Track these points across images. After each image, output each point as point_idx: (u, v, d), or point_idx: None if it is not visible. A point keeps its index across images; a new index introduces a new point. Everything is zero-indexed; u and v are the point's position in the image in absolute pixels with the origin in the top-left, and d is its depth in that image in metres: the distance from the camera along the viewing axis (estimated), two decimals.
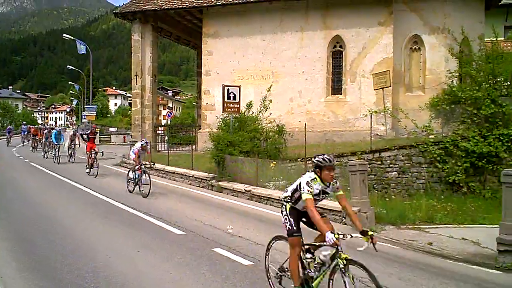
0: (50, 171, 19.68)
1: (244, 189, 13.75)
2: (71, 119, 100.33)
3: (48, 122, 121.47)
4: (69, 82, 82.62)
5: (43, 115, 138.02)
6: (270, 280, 5.75)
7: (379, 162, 15.92)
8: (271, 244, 5.83)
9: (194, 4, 23.20)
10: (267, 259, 5.85)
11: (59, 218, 10.31)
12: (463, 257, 7.66)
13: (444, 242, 8.50)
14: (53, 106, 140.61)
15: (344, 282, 4.61)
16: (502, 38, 23.77)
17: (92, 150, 18.65)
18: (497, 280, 6.68)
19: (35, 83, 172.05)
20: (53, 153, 24.90)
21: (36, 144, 33.59)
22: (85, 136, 22.04)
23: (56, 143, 24.52)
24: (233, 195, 14.16)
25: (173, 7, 23.92)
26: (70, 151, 24.46)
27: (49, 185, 15.97)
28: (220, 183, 15.10)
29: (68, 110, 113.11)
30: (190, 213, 10.93)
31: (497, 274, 6.96)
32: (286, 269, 5.49)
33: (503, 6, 25.08)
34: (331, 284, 4.83)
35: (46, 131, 29.46)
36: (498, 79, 16.25)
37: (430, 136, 16.08)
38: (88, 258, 7.04)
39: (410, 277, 6.55)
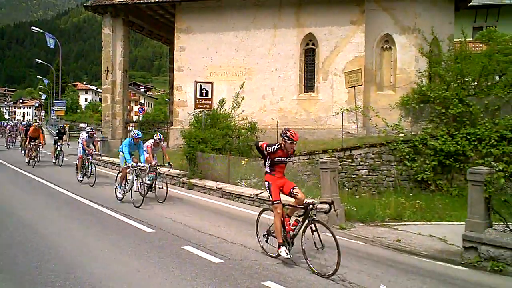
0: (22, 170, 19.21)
1: (216, 187, 13.67)
2: (40, 114, 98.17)
3: (15, 117, 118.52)
4: (38, 76, 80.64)
5: (10, 110, 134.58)
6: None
7: (350, 160, 16.08)
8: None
9: None
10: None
11: (21, 214, 10.05)
12: (430, 254, 7.79)
13: (412, 239, 8.63)
14: (20, 100, 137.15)
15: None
16: (471, 39, 24.31)
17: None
18: (462, 276, 6.82)
19: (2, 77, 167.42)
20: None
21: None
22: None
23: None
24: (204, 193, 14.07)
25: (145, 1, 23.62)
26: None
27: (12, 183, 15.57)
28: (191, 180, 14.98)
29: (36, 105, 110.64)
30: (160, 211, 10.80)
31: (463, 270, 7.10)
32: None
33: (472, 7, 25.66)
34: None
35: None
36: (466, 79, 16.62)
37: (400, 135, 16.34)
38: (54, 257, 6.87)
39: (379, 274, 6.62)
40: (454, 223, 9.82)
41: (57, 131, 22.20)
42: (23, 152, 25.05)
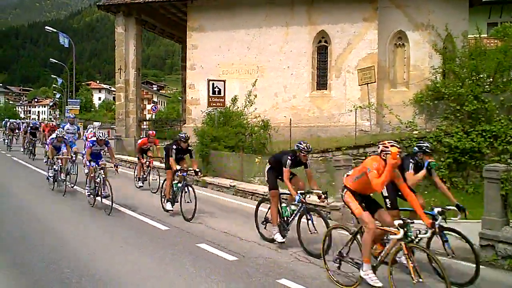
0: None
1: (229, 184, 13.70)
2: (54, 113, 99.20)
3: (30, 116, 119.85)
4: (52, 76, 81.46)
5: (25, 109, 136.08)
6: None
7: (363, 158, 15.95)
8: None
9: None
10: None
11: (36, 212, 10.17)
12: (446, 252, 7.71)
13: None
14: (35, 100, 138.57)
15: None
16: (485, 35, 24.00)
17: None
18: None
19: (17, 76, 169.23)
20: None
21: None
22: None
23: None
24: (218, 190, 14.11)
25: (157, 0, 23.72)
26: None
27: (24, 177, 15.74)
28: (205, 178, 15.01)
29: (51, 104, 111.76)
30: (174, 208, 10.83)
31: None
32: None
33: (486, 3, 25.34)
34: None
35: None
36: (481, 76, 16.39)
37: (414, 132, 16.18)
38: (70, 255, 6.94)
39: (395, 271, 6.57)
40: (470, 221, 9.70)
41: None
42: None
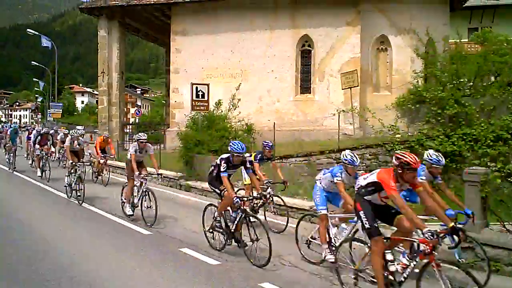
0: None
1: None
2: (36, 117, 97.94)
3: (12, 120, 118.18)
4: (34, 79, 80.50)
5: (6, 113, 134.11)
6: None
7: None
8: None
9: (162, 0, 22.95)
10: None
11: (19, 216, 10.02)
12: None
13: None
14: (17, 103, 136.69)
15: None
16: (466, 40, 24.37)
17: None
18: (459, 276, 6.82)
19: None
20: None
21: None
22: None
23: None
24: (202, 195, 14.05)
25: (141, 3, 23.67)
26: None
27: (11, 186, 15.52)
28: (188, 182, 14.97)
29: (33, 107, 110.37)
30: (158, 213, 10.76)
31: (457, 270, 7.10)
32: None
33: (467, 8, 25.73)
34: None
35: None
36: (462, 80, 16.65)
37: (396, 136, 16.34)
38: (51, 257, 6.86)
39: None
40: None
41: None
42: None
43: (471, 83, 16.77)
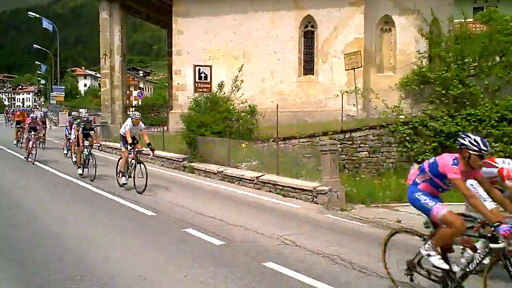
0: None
1: (217, 170, 13.70)
2: (39, 100, 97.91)
3: (15, 103, 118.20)
4: (36, 62, 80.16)
5: (9, 96, 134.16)
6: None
7: (350, 142, 16.08)
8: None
9: None
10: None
11: (22, 199, 10.09)
12: (431, 234, 7.81)
13: (413, 219, 8.64)
14: (20, 87, 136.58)
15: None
16: (471, 20, 24.12)
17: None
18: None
19: (1, 63, 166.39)
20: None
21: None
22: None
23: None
24: (205, 176, 14.10)
25: None
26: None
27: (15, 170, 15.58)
28: (192, 164, 15.01)
29: (35, 91, 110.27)
30: (161, 194, 10.83)
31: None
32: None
33: None
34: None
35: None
36: (466, 60, 16.53)
37: (400, 116, 16.29)
38: (57, 242, 6.91)
39: (379, 254, 6.65)
40: (455, 204, 9.81)
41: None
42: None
43: (476, 63, 16.64)
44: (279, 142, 14.20)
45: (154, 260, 6.15)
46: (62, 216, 8.64)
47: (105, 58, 25.03)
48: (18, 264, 5.89)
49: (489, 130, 14.64)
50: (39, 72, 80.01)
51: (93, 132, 13.85)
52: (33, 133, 15.90)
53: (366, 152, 16.03)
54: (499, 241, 4.17)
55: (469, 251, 4.95)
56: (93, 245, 6.80)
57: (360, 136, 16.15)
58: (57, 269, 5.67)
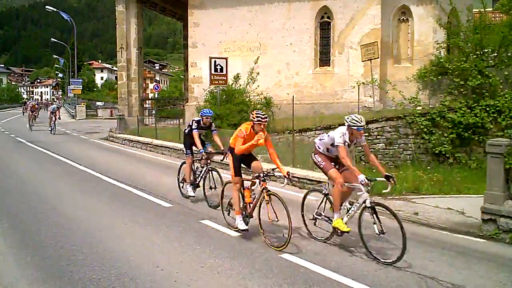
0: (37, 146, 19.49)
1: None
2: (57, 93, 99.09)
3: (33, 96, 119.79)
4: (54, 56, 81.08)
5: (28, 90, 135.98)
6: (178, 184, 9.55)
7: (366, 134, 15.93)
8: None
9: None
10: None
11: (46, 193, 10.23)
12: (448, 226, 7.76)
13: (430, 212, 8.59)
14: (38, 80, 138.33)
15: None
16: (491, 9, 23.70)
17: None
18: (480, 248, 6.79)
19: (19, 57, 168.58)
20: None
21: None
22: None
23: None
24: (221, 168, 14.11)
25: None
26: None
27: (33, 161, 15.81)
28: None
29: (53, 84, 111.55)
30: (177, 186, 10.88)
31: (481, 242, 7.06)
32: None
33: None
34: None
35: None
36: (486, 50, 16.25)
37: (418, 108, 16.12)
38: (77, 234, 7.01)
39: (396, 245, 6.62)
40: (473, 196, 9.73)
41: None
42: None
43: (495, 53, 16.35)
44: (295, 134, 14.16)
45: (171, 250, 6.21)
46: (79, 206, 8.76)
47: (121, 51, 25.19)
48: (39, 255, 6.00)
49: (508, 121, 14.42)
50: (57, 65, 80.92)
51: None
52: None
53: (383, 144, 15.90)
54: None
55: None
56: (110, 236, 6.90)
57: (376, 128, 16.03)
58: (77, 260, 5.76)
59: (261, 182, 6.58)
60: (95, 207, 8.79)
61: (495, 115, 14.71)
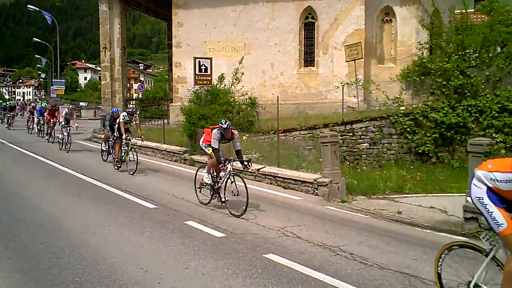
0: (21, 148, 19.23)
1: None
2: (40, 94, 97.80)
3: (15, 97, 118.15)
4: (36, 56, 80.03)
5: (10, 90, 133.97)
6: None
7: (350, 134, 16.07)
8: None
9: None
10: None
11: (27, 194, 10.11)
12: (431, 225, 7.84)
13: (413, 210, 8.68)
14: (20, 80, 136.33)
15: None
16: (472, 10, 24.02)
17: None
18: None
19: (1, 57, 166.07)
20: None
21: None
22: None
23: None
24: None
25: None
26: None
27: (17, 162, 15.60)
28: (192, 156, 15.00)
29: (36, 84, 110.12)
30: (162, 187, 10.86)
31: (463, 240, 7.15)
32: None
33: None
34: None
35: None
36: (467, 51, 16.47)
37: (401, 108, 16.29)
38: (59, 235, 6.93)
39: (379, 245, 6.68)
40: (455, 195, 9.85)
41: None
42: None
43: (477, 54, 16.59)
44: (280, 134, 14.19)
45: (156, 251, 6.16)
46: (62, 207, 8.66)
47: (105, 51, 24.98)
48: (20, 257, 5.91)
49: (490, 121, 14.64)
50: (39, 65, 79.90)
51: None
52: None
53: (367, 144, 16.02)
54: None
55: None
56: (94, 237, 6.82)
57: (360, 128, 16.14)
58: (59, 262, 5.69)
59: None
60: (78, 208, 8.69)
61: (476, 115, 14.92)
